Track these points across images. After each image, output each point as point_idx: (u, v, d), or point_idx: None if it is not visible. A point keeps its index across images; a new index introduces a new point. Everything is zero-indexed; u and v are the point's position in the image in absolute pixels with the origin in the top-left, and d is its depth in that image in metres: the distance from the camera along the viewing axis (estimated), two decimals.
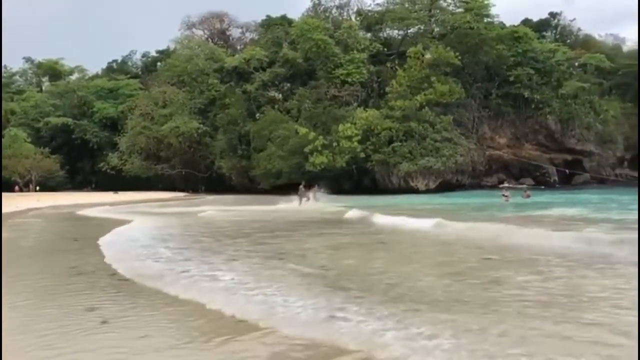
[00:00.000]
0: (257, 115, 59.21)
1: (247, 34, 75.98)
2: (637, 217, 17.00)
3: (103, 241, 13.43)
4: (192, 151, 63.78)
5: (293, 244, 13.10)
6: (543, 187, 54.86)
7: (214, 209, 28.75)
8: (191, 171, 64.20)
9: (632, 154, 69.33)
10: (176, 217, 23.91)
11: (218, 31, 76.11)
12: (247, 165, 57.68)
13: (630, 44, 76.78)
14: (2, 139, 64.79)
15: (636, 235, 10.55)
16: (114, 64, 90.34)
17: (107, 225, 18.62)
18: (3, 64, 79.15)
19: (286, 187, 52.52)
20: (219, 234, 15.72)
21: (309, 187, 37.67)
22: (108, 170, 66.65)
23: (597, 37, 77.05)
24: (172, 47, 75.55)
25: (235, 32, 76.85)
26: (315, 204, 33.34)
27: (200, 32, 75.91)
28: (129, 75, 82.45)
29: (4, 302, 6.52)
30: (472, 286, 7.56)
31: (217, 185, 61.39)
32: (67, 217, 25.68)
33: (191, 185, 64.81)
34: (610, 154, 64.21)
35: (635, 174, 67.79)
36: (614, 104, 64.56)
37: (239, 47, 72.96)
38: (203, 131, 62.34)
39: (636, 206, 20.99)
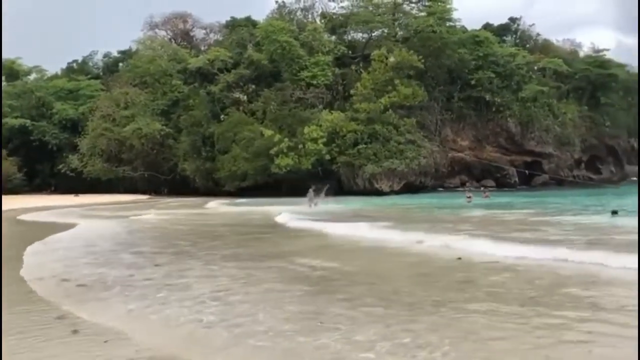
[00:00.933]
0: (222, 116, 58.78)
1: (211, 35, 75.39)
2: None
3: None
4: (155, 153, 62.85)
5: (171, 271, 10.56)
6: (506, 188, 56.25)
7: (158, 212, 28.82)
8: (154, 173, 63.25)
9: (588, 155, 71.63)
10: (117, 221, 23.75)
11: (182, 32, 75.26)
12: (212, 167, 57.18)
13: (585, 49, 79.35)
14: None
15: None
16: (74, 64, 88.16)
17: (46, 230, 18.28)
18: None
19: (251, 189, 52.65)
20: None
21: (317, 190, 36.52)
22: (68, 173, 65.06)
23: (555, 42, 79.25)
24: (134, 47, 74.34)
25: (199, 33, 76.19)
26: (325, 206, 33.09)
27: (163, 33, 74.96)
28: (89, 76, 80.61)
29: None
30: None
31: (181, 187, 60.63)
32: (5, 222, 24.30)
33: (154, 187, 63.85)
34: (568, 155, 66.11)
35: (591, 175, 70.12)
36: (572, 107, 66.56)
37: (203, 48, 72.27)
38: (166, 133, 61.52)
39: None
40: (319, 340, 5.78)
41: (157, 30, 74.08)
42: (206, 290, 8.36)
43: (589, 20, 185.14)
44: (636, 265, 8.93)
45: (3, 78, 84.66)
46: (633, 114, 77.03)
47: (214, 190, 55.91)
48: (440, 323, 6.35)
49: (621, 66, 74.79)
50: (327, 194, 37.12)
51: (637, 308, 6.57)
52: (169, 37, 74.86)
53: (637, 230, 15.50)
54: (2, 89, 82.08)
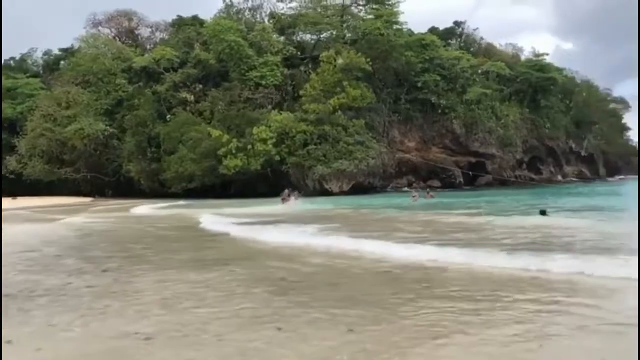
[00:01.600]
0: (168, 116, 57.59)
1: (157, 34, 73.91)
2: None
3: None
4: (98, 154, 61.05)
5: None
6: (451, 188, 57.59)
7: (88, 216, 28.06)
8: (97, 175, 61.41)
9: (529, 156, 74.27)
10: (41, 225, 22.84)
11: (126, 30, 73.41)
12: (157, 168, 55.94)
13: (526, 53, 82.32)
14: None
15: None
16: (12, 62, 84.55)
17: None
18: None
19: (199, 191, 51.79)
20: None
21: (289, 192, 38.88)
22: (6, 175, 62.30)
23: (498, 46, 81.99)
24: (76, 45, 71.87)
25: (144, 32, 74.51)
26: (296, 205, 34.02)
27: (107, 31, 72.87)
28: (28, 74, 77.44)
29: None
30: None
31: (126, 189, 59.11)
32: None
33: (98, 189, 61.98)
34: (510, 156, 68.33)
35: (532, 175, 72.73)
36: (513, 109, 68.85)
37: (148, 47, 70.77)
38: (110, 133, 59.85)
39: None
40: (275, 349, 5.44)
41: (100, 28, 72.02)
42: (157, 297, 7.94)
43: (530, 26, 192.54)
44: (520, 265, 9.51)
45: None
46: (571, 116, 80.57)
47: (160, 192, 54.73)
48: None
49: (559, 70, 78.08)
50: (297, 196, 38.43)
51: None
52: (113, 35, 72.87)
53: (556, 228, 16.31)
54: None
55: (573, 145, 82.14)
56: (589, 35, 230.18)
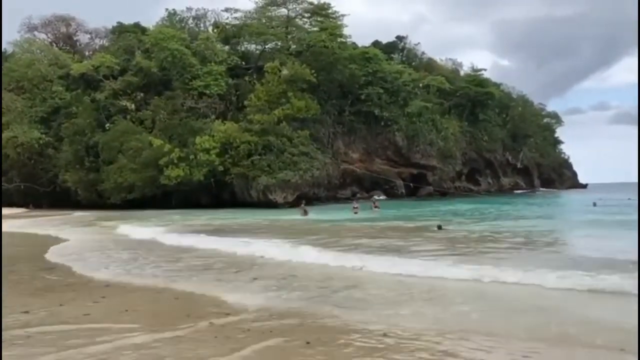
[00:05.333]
0: (107, 125, 55.90)
1: (97, 40, 71.92)
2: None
3: None
4: (33, 163, 58.56)
5: None
6: (394, 199, 58.51)
7: None
8: (32, 185, 58.83)
9: (468, 168, 76.58)
10: None
11: (64, 35, 71.06)
12: (96, 178, 54.10)
13: (465, 69, 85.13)
14: None
15: None
16: None
17: None
18: None
19: (139, 202, 50.36)
20: None
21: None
22: None
23: (438, 61, 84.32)
24: (10, 50, 68.89)
25: (83, 38, 72.41)
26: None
27: (43, 36, 70.30)
28: None
29: None
30: None
31: (62, 200, 56.84)
32: None
33: (32, 200, 59.30)
34: (450, 168, 70.21)
35: (471, 186, 74.99)
36: (453, 122, 70.92)
37: (87, 54, 68.69)
38: (45, 142, 57.56)
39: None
40: None
41: (36, 32, 69.38)
42: None
43: (469, 42, 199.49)
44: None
45: None
46: (507, 130, 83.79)
47: (98, 203, 52.97)
48: None
49: (497, 85, 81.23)
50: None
51: None
52: (49, 40, 70.35)
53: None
54: None
55: (509, 158, 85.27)
56: (524, 52, 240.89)
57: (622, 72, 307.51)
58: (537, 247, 15.27)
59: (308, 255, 13.70)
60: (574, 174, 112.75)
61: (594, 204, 40.06)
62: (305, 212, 34.47)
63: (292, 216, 34.14)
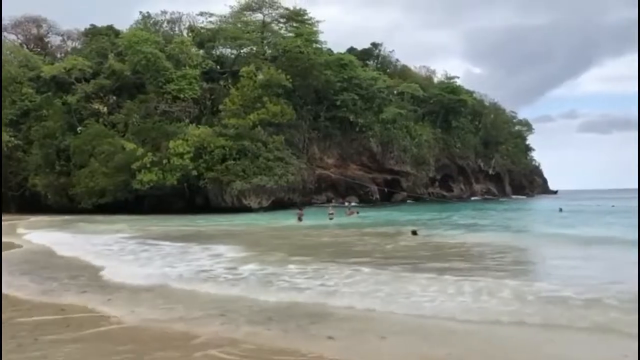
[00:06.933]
0: (79, 128, 54.94)
1: (69, 42, 70.69)
2: None
3: None
4: (1, 167, 57.15)
5: None
6: (369, 204, 58.80)
7: None
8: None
9: (441, 174, 77.46)
10: None
11: (35, 37, 69.72)
12: (66, 182, 53.08)
13: (439, 76, 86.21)
14: None
15: None
16: None
17: None
18: None
19: (111, 206, 49.58)
20: None
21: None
22: None
23: (412, 68, 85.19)
24: None
25: (55, 40, 71.08)
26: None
27: (13, 37, 68.85)
28: None
29: None
30: None
31: (31, 204, 55.58)
32: None
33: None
34: (423, 174, 70.95)
35: (444, 192, 75.84)
36: (427, 129, 71.74)
37: (59, 56, 67.51)
38: (15, 145, 56.27)
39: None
40: None
41: (5, 33, 67.86)
42: None
43: (442, 50, 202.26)
44: None
45: None
46: (479, 137, 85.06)
47: (69, 207, 51.98)
48: None
49: (469, 93, 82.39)
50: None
51: None
52: (19, 41, 68.94)
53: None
54: None
55: (482, 164, 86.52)
56: (495, 61, 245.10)
57: (590, 81, 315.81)
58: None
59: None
60: (545, 181, 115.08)
61: (560, 210, 42.46)
62: (300, 219, 33.83)
63: (289, 222, 33.67)
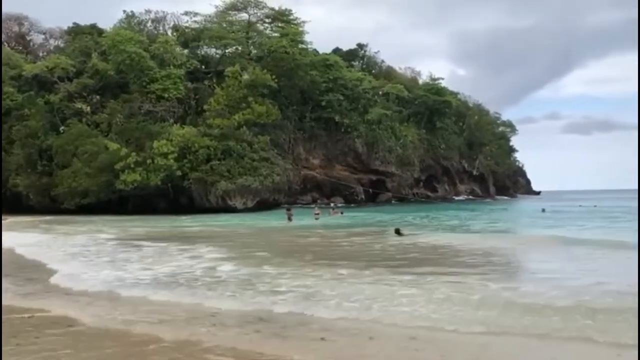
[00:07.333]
0: (62, 128, 54.32)
1: (51, 41, 69.90)
2: None
3: None
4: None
5: None
6: (353, 205, 58.93)
7: None
8: None
9: (426, 175, 77.85)
10: None
11: (16, 35, 68.85)
12: (49, 182, 52.45)
13: (424, 77, 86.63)
14: None
15: None
16: None
17: None
18: None
19: (94, 207, 49.07)
20: None
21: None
22: None
23: (397, 69, 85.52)
24: None
25: (37, 38, 70.26)
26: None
27: None
28: None
29: None
30: None
31: (13, 205, 54.75)
32: None
33: None
34: (408, 175, 71.25)
35: (429, 192, 76.19)
36: (412, 130, 72.07)
37: (41, 54, 66.72)
38: None
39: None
40: None
41: None
42: None
43: (427, 51, 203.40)
44: None
45: None
46: (464, 138, 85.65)
47: (51, 207, 51.36)
48: None
49: (454, 94, 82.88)
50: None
51: None
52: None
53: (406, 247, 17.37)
54: None
55: (466, 165, 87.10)
56: (480, 62, 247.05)
57: (573, 83, 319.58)
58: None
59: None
60: (528, 182, 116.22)
61: (543, 210, 43.16)
62: (290, 219, 33.65)
63: (277, 222, 33.45)
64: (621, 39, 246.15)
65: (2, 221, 36.57)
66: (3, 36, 68.38)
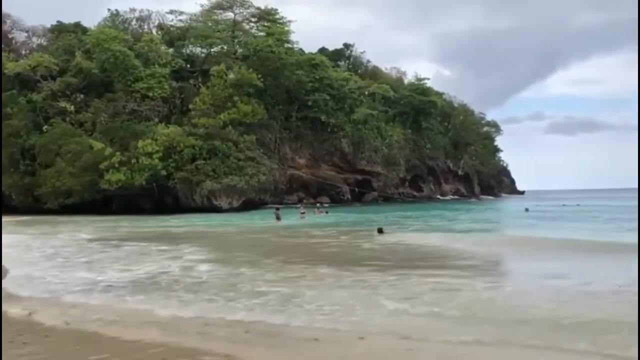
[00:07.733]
0: (45, 127, 53.74)
1: (34, 39, 69.04)
2: None
3: None
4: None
5: None
6: (340, 204, 59.02)
7: None
8: None
9: (412, 174, 78.20)
10: None
11: None
12: (32, 182, 51.86)
13: (410, 77, 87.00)
14: None
15: None
16: None
17: None
18: None
19: (78, 207, 48.60)
20: None
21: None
22: None
23: (383, 69, 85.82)
24: None
25: (19, 36, 69.27)
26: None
27: None
28: None
29: None
30: None
31: None
32: None
33: None
34: (394, 174, 71.53)
35: (414, 192, 76.56)
36: (397, 130, 72.35)
37: (23, 52, 65.87)
38: None
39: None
40: None
41: None
42: None
43: (412, 52, 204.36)
44: None
45: None
46: (449, 138, 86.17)
47: (34, 207, 50.78)
48: None
49: (439, 94, 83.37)
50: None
51: None
52: None
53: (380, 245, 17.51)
54: None
55: (451, 165, 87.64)
56: (464, 63, 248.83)
57: (556, 83, 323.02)
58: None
59: None
60: (512, 181, 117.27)
61: (526, 210, 43.62)
62: (279, 218, 33.59)
63: (265, 222, 33.40)
64: (603, 40, 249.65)
65: None
66: None
